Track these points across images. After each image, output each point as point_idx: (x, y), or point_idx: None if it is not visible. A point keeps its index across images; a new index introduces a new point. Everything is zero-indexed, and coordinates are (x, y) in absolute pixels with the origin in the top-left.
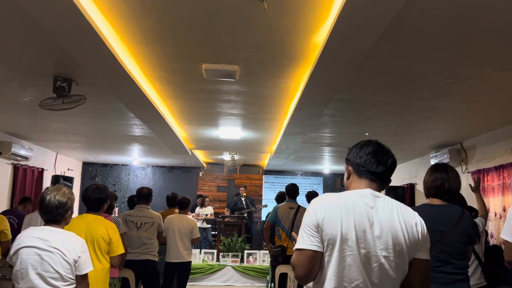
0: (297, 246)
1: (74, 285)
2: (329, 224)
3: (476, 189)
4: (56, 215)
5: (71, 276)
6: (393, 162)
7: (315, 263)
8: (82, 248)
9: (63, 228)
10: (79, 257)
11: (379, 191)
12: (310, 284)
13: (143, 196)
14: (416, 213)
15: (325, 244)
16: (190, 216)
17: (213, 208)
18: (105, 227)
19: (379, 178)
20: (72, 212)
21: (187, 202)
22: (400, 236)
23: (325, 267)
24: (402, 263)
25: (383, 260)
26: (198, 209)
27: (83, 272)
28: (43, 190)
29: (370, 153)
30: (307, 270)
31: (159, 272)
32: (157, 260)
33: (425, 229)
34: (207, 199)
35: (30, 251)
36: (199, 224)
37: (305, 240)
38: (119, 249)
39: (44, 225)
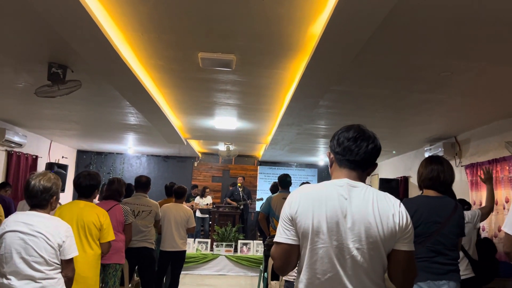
0: (275, 239)
1: (59, 270)
2: (302, 216)
3: (488, 180)
4: (41, 200)
5: (56, 261)
6: (374, 148)
7: (291, 256)
8: (66, 233)
9: (48, 213)
10: (63, 241)
11: (362, 177)
12: (293, 273)
13: (141, 184)
14: (397, 203)
15: (300, 236)
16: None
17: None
18: (96, 214)
19: (359, 166)
20: (58, 198)
21: (183, 192)
22: (373, 227)
23: (301, 259)
24: (377, 255)
25: (355, 252)
26: (198, 199)
27: (68, 257)
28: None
29: (350, 139)
30: (284, 263)
31: (155, 260)
32: (153, 248)
33: (405, 220)
34: (207, 190)
35: (14, 236)
36: (198, 214)
37: (281, 234)
38: (110, 236)
39: (30, 210)
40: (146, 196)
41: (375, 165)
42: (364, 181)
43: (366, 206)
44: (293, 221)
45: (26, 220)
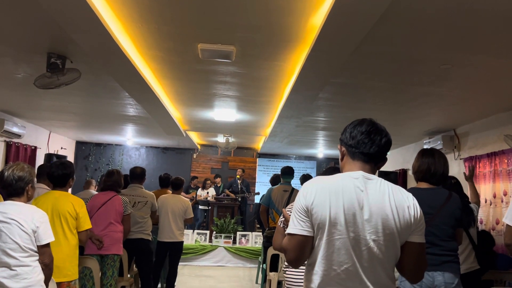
0: (288, 230)
1: (36, 258)
2: (318, 208)
3: (470, 178)
4: (16, 188)
5: (31, 247)
6: (387, 142)
7: (305, 247)
8: (41, 219)
9: (25, 202)
10: (37, 227)
11: (374, 171)
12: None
13: (136, 175)
14: (410, 196)
15: (315, 228)
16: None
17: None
18: (71, 203)
19: (373, 159)
20: (33, 186)
21: (180, 183)
22: (390, 219)
23: (315, 250)
24: (393, 247)
25: (372, 243)
26: (200, 191)
27: (44, 242)
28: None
29: (364, 132)
30: (298, 255)
31: (152, 251)
32: (150, 239)
33: (418, 212)
34: (208, 181)
35: None
36: (201, 206)
37: (295, 225)
38: (86, 224)
39: (6, 199)
40: (141, 187)
41: (386, 160)
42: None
43: (382, 198)
44: (308, 212)
45: (1, 209)
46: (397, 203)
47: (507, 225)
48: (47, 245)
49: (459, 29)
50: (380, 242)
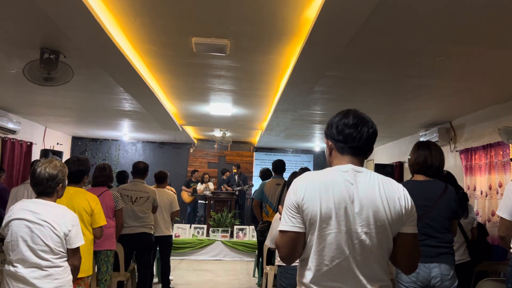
0: (279, 227)
1: (66, 259)
2: (309, 203)
3: None
4: (46, 188)
5: (62, 250)
6: (374, 132)
7: (297, 244)
8: (73, 222)
9: (55, 201)
10: (69, 230)
11: (362, 163)
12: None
13: (139, 170)
14: (400, 187)
15: (307, 223)
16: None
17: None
18: (86, 199)
19: (361, 151)
20: (64, 186)
21: (164, 176)
22: (381, 211)
23: (308, 246)
24: (385, 239)
25: (364, 236)
26: (199, 185)
27: (74, 246)
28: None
29: (351, 126)
30: (290, 251)
31: (153, 245)
32: (152, 233)
33: (410, 203)
34: (206, 176)
35: (21, 224)
36: (201, 200)
37: (287, 222)
38: (101, 221)
39: (36, 197)
40: (143, 182)
41: (372, 150)
42: (363, 166)
43: (372, 191)
44: (299, 209)
45: (32, 208)
46: (388, 195)
47: (500, 217)
48: (77, 248)
49: (453, 20)
50: (372, 235)
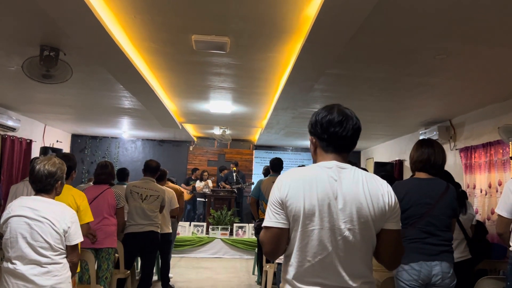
0: (264, 223)
1: (64, 255)
2: (293, 200)
3: None
4: (45, 185)
5: (61, 246)
6: (358, 128)
7: (281, 240)
8: (72, 219)
9: (53, 198)
10: (68, 227)
11: (346, 159)
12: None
13: (151, 168)
14: (384, 183)
15: (291, 220)
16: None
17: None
18: (72, 195)
19: (346, 148)
20: (63, 183)
21: (163, 174)
22: (364, 207)
23: (291, 242)
24: (368, 235)
25: (347, 233)
26: (198, 183)
27: (73, 243)
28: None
29: (336, 124)
30: (274, 247)
31: (159, 243)
32: (159, 231)
33: (393, 200)
34: (205, 173)
35: (20, 220)
36: (200, 198)
37: (270, 218)
38: (87, 217)
39: (35, 194)
40: (154, 181)
41: (356, 144)
42: (347, 162)
43: (356, 187)
44: (283, 205)
45: (31, 205)
46: (371, 191)
47: (498, 215)
48: (76, 245)
49: (454, 19)
50: (355, 231)
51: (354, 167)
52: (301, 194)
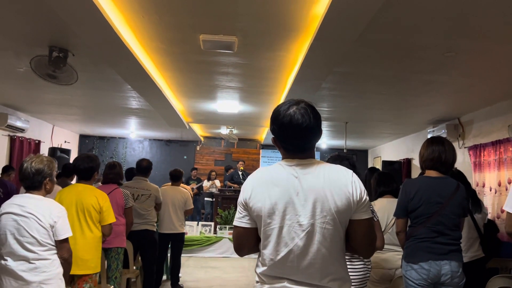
0: (234, 222)
1: (54, 251)
2: (254, 201)
3: None
4: (33, 182)
5: (49, 241)
6: (309, 128)
7: (245, 238)
8: (59, 214)
9: (43, 195)
10: (55, 222)
11: (311, 154)
12: None
13: (142, 168)
14: (349, 173)
15: (255, 219)
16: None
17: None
18: (95, 196)
19: (306, 149)
20: (52, 180)
21: (179, 175)
22: (326, 201)
23: (261, 241)
24: (334, 229)
25: (310, 228)
26: (206, 182)
27: (61, 237)
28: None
29: (294, 127)
30: (238, 244)
31: (157, 242)
32: (155, 230)
33: (359, 189)
34: (213, 173)
35: (8, 217)
36: (207, 198)
37: (237, 217)
38: (110, 218)
39: (25, 192)
40: (146, 180)
41: (321, 134)
42: (314, 156)
43: (317, 181)
44: (246, 206)
45: (19, 202)
46: (333, 184)
47: (507, 212)
48: (66, 240)
49: (462, 16)
50: (319, 226)
51: (317, 161)
52: (262, 195)
